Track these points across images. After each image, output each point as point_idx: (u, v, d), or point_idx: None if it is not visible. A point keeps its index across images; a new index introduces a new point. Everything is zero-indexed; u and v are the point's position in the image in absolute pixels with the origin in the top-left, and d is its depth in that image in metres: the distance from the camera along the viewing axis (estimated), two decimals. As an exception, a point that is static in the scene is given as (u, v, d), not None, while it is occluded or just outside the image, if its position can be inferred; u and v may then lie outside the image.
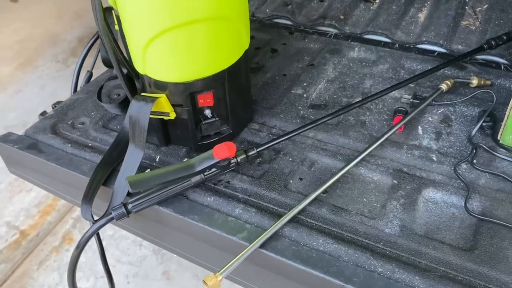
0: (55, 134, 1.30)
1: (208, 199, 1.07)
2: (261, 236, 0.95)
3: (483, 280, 0.89)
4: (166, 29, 0.97)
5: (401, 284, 0.88)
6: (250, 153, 1.11)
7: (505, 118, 1.11)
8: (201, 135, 1.19)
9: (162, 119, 1.15)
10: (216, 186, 1.11)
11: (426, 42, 1.53)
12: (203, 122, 1.17)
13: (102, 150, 1.22)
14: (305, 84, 1.43)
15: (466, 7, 1.65)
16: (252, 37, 1.19)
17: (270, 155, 1.19)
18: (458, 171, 1.10)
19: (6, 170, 1.42)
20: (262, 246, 0.95)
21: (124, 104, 1.29)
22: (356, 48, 1.56)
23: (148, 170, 1.16)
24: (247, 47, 1.16)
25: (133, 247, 2.10)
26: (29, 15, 3.81)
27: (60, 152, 1.24)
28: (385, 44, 1.57)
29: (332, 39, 1.63)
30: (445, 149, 1.17)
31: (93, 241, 1.10)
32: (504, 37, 1.41)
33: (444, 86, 1.29)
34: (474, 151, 1.14)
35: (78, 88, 1.48)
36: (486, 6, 1.65)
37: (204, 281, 0.88)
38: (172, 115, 1.13)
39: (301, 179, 1.13)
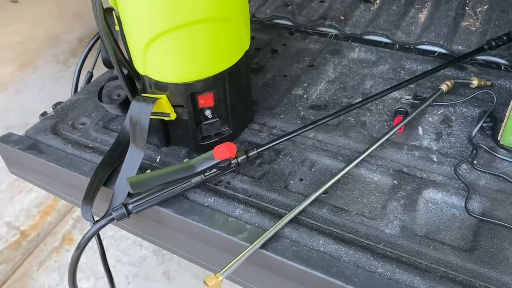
0: (56, 134, 1.30)
1: (209, 199, 1.08)
2: (262, 237, 0.95)
3: (484, 280, 0.89)
4: (166, 30, 0.97)
5: (402, 284, 0.88)
6: (250, 154, 1.11)
7: (506, 118, 1.11)
8: (201, 135, 1.19)
9: (163, 119, 1.15)
10: (216, 187, 1.11)
11: (426, 43, 1.53)
12: (204, 123, 1.17)
13: (103, 151, 1.23)
14: (305, 84, 1.43)
15: (467, 8, 1.65)
16: (252, 38, 1.19)
17: (271, 156, 1.19)
18: (459, 171, 1.10)
19: (6, 170, 1.43)
20: (263, 246, 0.95)
21: (124, 105, 1.30)
22: (357, 49, 1.56)
23: (149, 170, 1.16)
24: (247, 47, 1.16)
25: (134, 247, 2.10)
26: (30, 15, 3.82)
27: (60, 153, 1.24)
28: (385, 45, 1.57)
29: (332, 40, 1.63)
30: (446, 149, 1.17)
31: (93, 242, 1.10)
32: (504, 38, 1.41)
33: (444, 87, 1.29)
34: (475, 151, 1.14)
35: (79, 89, 1.48)
36: (486, 6, 1.65)
37: (204, 282, 0.88)
38: (173, 116, 1.13)
39: (301, 179, 1.13)
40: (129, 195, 1.07)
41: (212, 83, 1.10)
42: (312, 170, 1.15)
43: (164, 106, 1.11)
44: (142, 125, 1.08)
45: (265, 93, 1.41)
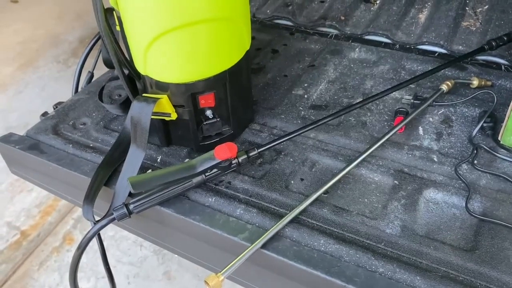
0: (57, 134, 1.31)
1: (210, 199, 1.08)
2: (263, 237, 0.95)
3: (484, 280, 0.89)
4: (167, 30, 0.97)
5: (402, 284, 0.88)
6: (251, 154, 1.11)
7: (506, 118, 1.11)
8: (202, 135, 1.19)
9: (164, 119, 1.15)
10: (217, 187, 1.11)
11: (426, 43, 1.54)
12: (204, 123, 1.17)
13: (104, 151, 1.23)
14: (306, 84, 1.44)
15: (467, 8, 1.66)
16: (253, 38, 1.19)
17: (271, 156, 1.19)
18: (459, 171, 1.10)
19: (7, 170, 1.43)
20: (264, 246, 0.95)
21: (125, 105, 1.30)
22: (357, 49, 1.56)
23: (150, 170, 1.16)
24: (248, 47, 1.16)
25: (134, 247, 2.10)
26: (30, 15, 3.82)
27: (61, 153, 1.24)
28: (385, 45, 1.58)
29: (332, 40, 1.63)
30: (446, 149, 1.17)
31: (94, 242, 1.10)
32: (505, 38, 1.41)
33: (444, 87, 1.29)
34: (475, 151, 1.14)
35: (79, 89, 1.49)
36: (487, 7, 1.65)
37: (205, 281, 0.88)
38: (174, 116, 1.13)
39: (302, 179, 1.13)
40: (130, 195, 1.07)
41: (213, 83, 1.10)
42: (313, 170, 1.15)
43: (165, 106, 1.11)
44: (143, 125, 1.08)
45: (266, 93, 1.42)
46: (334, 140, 1.22)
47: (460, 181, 1.08)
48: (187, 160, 1.18)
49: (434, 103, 1.28)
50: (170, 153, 1.22)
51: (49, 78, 3.17)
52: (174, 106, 1.12)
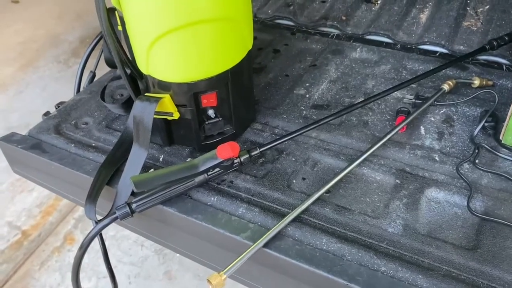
0: (59, 134, 1.31)
1: (212, 198, 1.08)
2: (265, 236, 0.95)
3: (486, 279, 0.89)
4: (170, 30, 0.97)
5: (404, 283, 0.89)
6: (253, 153, 1.11)
7: (507, 118, 1.11)
8: (204, 135, 1.19)
9: (166, 119, 1.15)
10: (219, 186, 1.12)
11: (428, 43, 1.54)
12: (207, 122, 1.18)
13: (106, 150, 1.23)
14: (307, 84, 1.44)
15: (468, 8, 1.66)
16: (254, 38, 1.19)
17: (273, 155, 1.19)
18: (461, 171, 1.10)
19: (7, 170, 1.43)
20: (266, 245, 0.95)
21: (127, 105, 1.30)
22: (358, 49, 1.56)
23: (152, 170, 1.16)
24: (250, 47, 1.16)
25: (135, 247, 2.11)
26: (30, 16, 3.82)
27: (63, 152, 1.25)
28: (387, 45, 1.58)
29: (334, 40, 1.64)
30: (448, 149, 1.17)
31: (94, 242, 1.10)
32: (506, 38, 1.42)
33: (446, 87, 1.30)
34: (476, 151, 1.14)
35: (81, 89, 1.49)
36: (488, 7, 1.65)
37: (208, 280, 0.88)
38: (176, 115, 1.13)
39: (304, 179, 1.13)
40: (132, 194, 1.07)
41: (215, 82, 1.10)
42: (315, 169, 1.15)
43: (168, 105, 1.11)
44: (145, 124, 1.09)
45: (267, 93, 1.42)
46: (336, 140, 1.22)
47: (462, 180, 1.08)
48: (189, 159, 1.19)
49: (435, 102, 1.28)
50: (172, 153, 1.22)
51: (49, 78, 3.18)
52: (177, 105, 1.12)
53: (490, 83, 1.35)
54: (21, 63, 3.32)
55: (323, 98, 1.38)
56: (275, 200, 1.07)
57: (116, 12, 1.14)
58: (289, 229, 0.99)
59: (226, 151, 1.06)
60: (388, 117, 1.28)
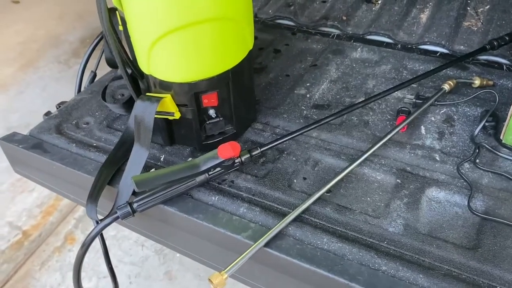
0: (60, 134, 1.31)
1: (213, 198, 1.08)
2: (266, 235, 0.95)
3: (487, 278, 0.89)
4: (171, 30, 0.98)
5: (405, 282, 0.89)
6: (254, 153, 1.11)
7: (508, 118, 1.12)
8: (205, 134, 1.20)
9: (167, 119, 1.16)
10: (220, 186, 1.12)
11: (428, 43, 1.54)
12: (208, 122, 1.18)
13: (107, 150, 1.23)
14: (308, 84, 1.44)
15: (468, 8, 1.66)
16: (255, 38, 1.19)
17: (274, 155, 1.20)
18: (461, 170, 1.11)
19: (8, 171, 1.43)
20: (267, 245, 0.96)
21: (128, 104, 1.30)
22: (359, 49, 1.56)
23: (153, 169, 1.16)
24: (251, 47, 1.17)
25: (135, 247, 2.11)
26: (31, 16, 3.82)
27: (64, 152, 1.25)
28: (387, 45, 1.58)
29: (334, 40, 1.64)
30: (448, 148, 1.17)
31: (95, 242, 1.11)
32: (506, 38, 1.42)
33: (446, 87, 1.30)
34: (477, 150, 1.15)
35: (82, 89, 1.49)
36: (488, 7, 1.65)
37: (209, 279, 0.89)
38: (177, 115, 1.13)
39: (305, 178, 1.13)
40: (134, 193, 1.08)
41: (216, 82, 1.10)
42: (316, 169, 1.16)
43: (169, 105, 1.11)
44: (146, 124, 1.09)
45: (268, 92, 1.42)
46: (336, 139, 1.22)
47: (462, 180, 1.08)
48: (190, 159, 1.19)
49: (436, 102, 1.28)
50: (173, 152, 1.22)
51: (50, 78, 3.17)
52: (178, 105, 1.13)
53: (491, 83, 1.35)
54: (21, 63, 3.32)
55: (323, 98, 1.38)
56: (276, 200, 1.07)
57: (117, 12, 1.15)
58: (290, 228, 1.00)
59: (227, 150, 1.06)
60: (389, 117, 1.29)
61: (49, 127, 1.33)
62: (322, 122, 1.18)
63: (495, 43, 1.41)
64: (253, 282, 1.10)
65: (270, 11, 1.81)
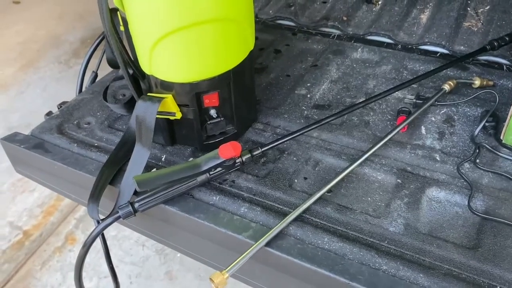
0: (61, 134, 1.31)
1: (214, 198, 1.08)
2: (267, 235, 0.96)
3: (487, 278, 0.90)
4: (173, 30, 0.98)
5: (406, 281, 0.89)
6: (255, 153, 1.12)
7: (508, 118, 1.12)
8: (206, 134, 1.20)
9: (168, 119, 1.16)
10: (221, 185, 1.12)
11: (428, 43, 1.54)
12: (209, 122, 1.18)
13: (108, 150, 1.23)
14: (308, 84, 1.44)
15: (468, 9, 1.66)
16: (256, 38, 1.20)
17: (275, 155, 1.20)
18: (461, 170, 1.11)
19: (9, 171, 1.43)
20: (268, 244, 0.96)
21: (129, 105, 1.30)
22: (359, 49, 1.57)
23: (154, 169, 1.16)
24: (252, 47, 1.17)
25: (136, 247, 2.11)
26: (31, 16, 3.82)
27: (66, 152, 1.25)
28: (388, 45, 1.58)
29: (335, 40, 1.64)
30: (448, 148, 1.18)
31: (96, 242, 1.11)
32: (506, 38, 1.42)
33: (446, 87, 1.30)
34: (477, 150, 1.15)
35: (83, 89, 1.49)
36: (488, 7, 1.66)
37: (210, 279, 0.89)
38: (178, 115, 1.14)
39: (305, 178, 1.13)
40: (135, 193, 1.08)
41: (217, 82, 1.11)
42: (316, 169, 1.16)
43: (170, 105, 1.12)
44: (148, 124, 1.09)
45: (269, 93, 1.42)
46: (337, 139, 1.23)
47: (463, 180, 1.09)
48: (191, 159, 1.19)
49: (436, 102, 1.29)
50: (175, 152, 1.23)
51: (50, 78, 3.18)
52: (179, 105, 1.13)
53: (491, 83, 1.36)
54: (22, 63, 3.32)
55: (324, 98, 1.39)
56: (276, 200, 1.08)
57: (118, 12, 1.15)
58: (290, 228, 1.00)
59: (228, 150, 1.06)
60: (389, 117, 1.29)
61: (51, 127, 1.33)
62: (323, 122, 1.19)
63: (495, 43, 1.41)
64: (254, 282, 1.10)
65: (270, 11, 1.81)
